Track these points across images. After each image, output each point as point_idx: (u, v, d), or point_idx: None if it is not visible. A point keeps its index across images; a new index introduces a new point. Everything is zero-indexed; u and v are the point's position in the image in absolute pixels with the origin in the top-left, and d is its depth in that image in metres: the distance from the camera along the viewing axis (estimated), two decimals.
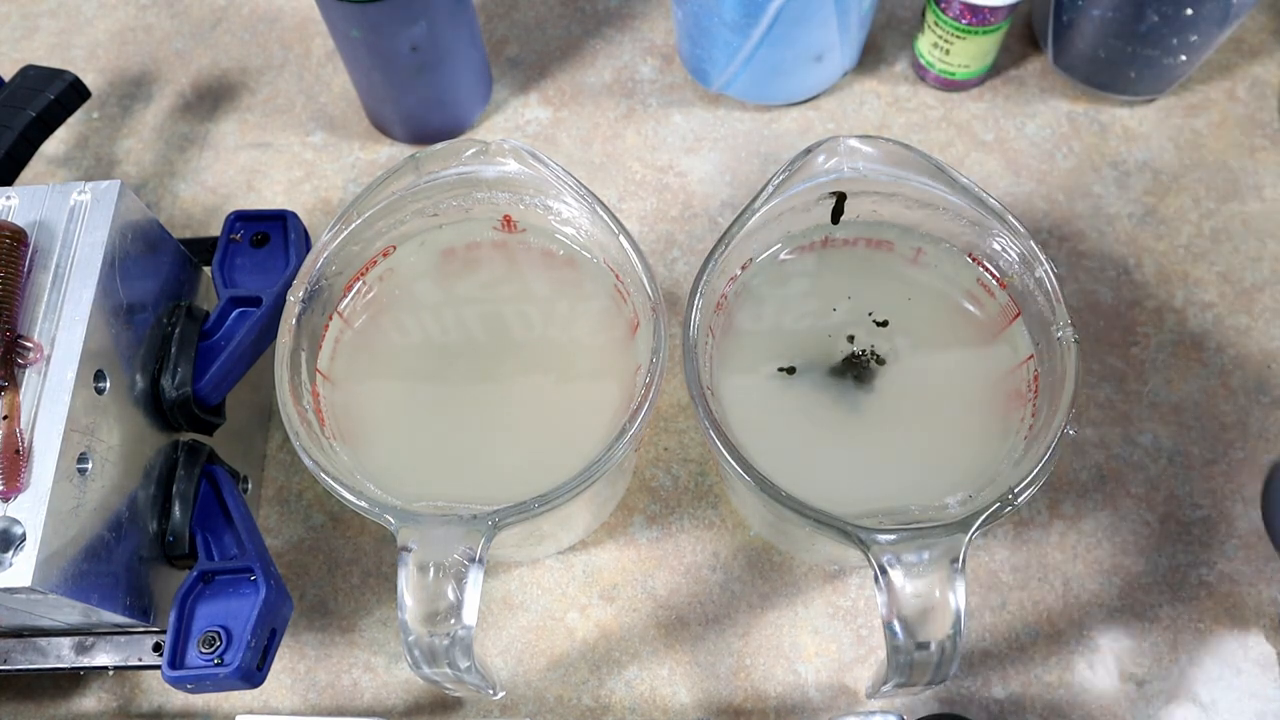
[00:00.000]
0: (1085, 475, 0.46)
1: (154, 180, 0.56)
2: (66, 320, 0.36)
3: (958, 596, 0.31)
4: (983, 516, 0.32)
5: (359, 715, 0.43)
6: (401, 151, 0.56)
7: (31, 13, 0.62)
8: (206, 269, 0.45)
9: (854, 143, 0.38)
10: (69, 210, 0.38)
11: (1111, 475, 0.46)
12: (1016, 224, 0.37)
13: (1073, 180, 0.53)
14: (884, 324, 0.40)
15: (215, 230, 0.49)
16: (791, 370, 0.39)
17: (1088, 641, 0.43)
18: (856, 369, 0.40)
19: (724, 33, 0.50)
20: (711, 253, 0.37)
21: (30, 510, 0.33)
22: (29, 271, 0.37)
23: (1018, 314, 0.39)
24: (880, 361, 0.40)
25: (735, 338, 0.40)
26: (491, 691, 0.34)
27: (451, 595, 0.32)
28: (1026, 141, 0.54)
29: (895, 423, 0.39)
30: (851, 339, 0.40)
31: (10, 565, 0.32)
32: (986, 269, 0.40)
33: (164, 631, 0.38)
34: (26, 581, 0.32)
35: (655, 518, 0.46)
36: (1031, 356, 0.38)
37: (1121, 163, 0.53)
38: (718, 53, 0.52)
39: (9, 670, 0.40)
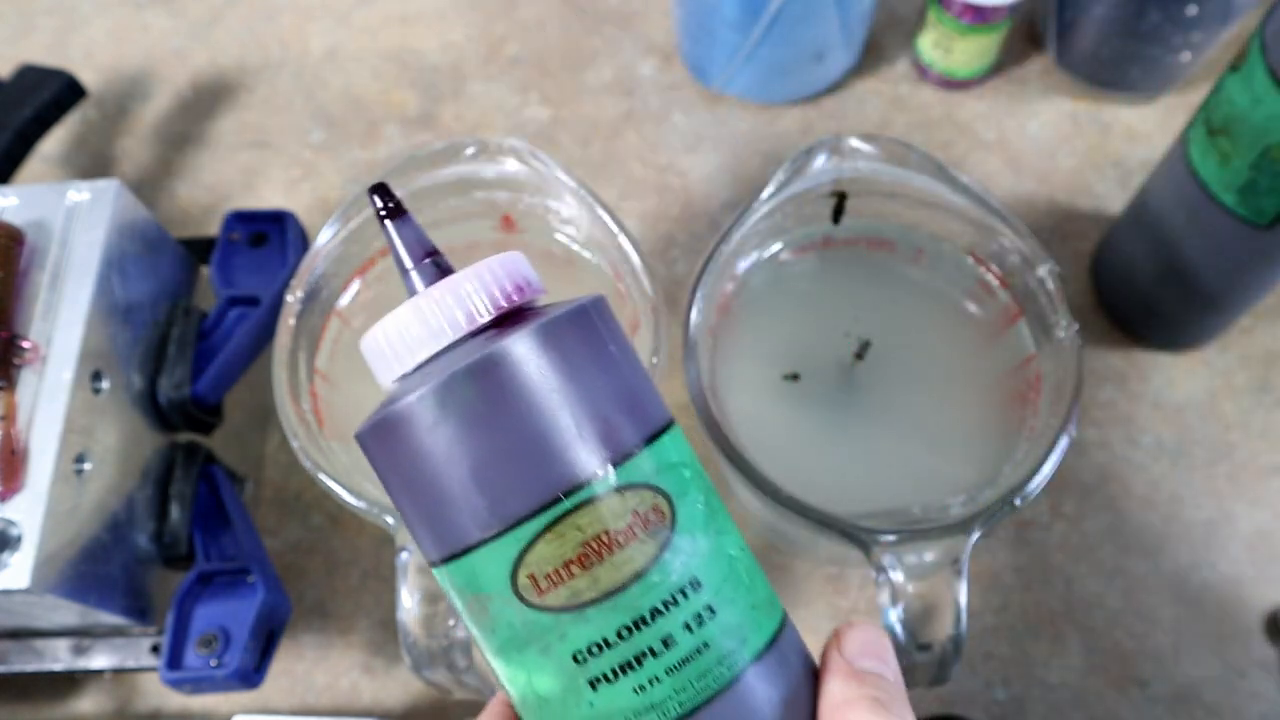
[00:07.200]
0: (1087, 476, 0.46)
1: (152, 179, 0.55)
2: (64, 320, 0.36)
3: (959, 597, 0.31)
4: (984, 518, 0.32)
5: (358, 716, 0.43)
6: (401, 151, 0.55)
7: (29, 11, 0.61)
8: (204, 269, 0.45)
9: (855, 142, 0.38)
10: (66, 210, 0.38)
11: (1114, 476, 0.46)
12: (1018, 223, 0.37)
13: (1075, 179, 0.53)
14: (883, 326, 0.40)
15: (213, 230, 0.49)
16: (795, 377, 0.39)
17: (1090, 643, 0.43)
18: (856, 369, 0.40)
19: (725, 31, 0.50)
20: (711, 253, 0.37)
21: (27, 511, 0.33)
22: (25, 271, 0.37)
23: (1019, 314, 0.39)
24: (880, 361, 0.40)
25: (736, 338, 0.40)
26: (491, 693, 0.34)
27: None
28: (1028, 141, 0.54)
29: (896, 423, 0.39)
30: (851, 338, 0.40)
31: (7, 566, 0.32)
32: (988, 269, 0.40)
33: (162, 633, 0.38)
34: (24, 583, 0.32)
35: None
36: (1033, 357, 0.38)
37: (1124, 162, 0.53)
38: (718, 51, 0.52)
39: (5, 672, 0.39)
